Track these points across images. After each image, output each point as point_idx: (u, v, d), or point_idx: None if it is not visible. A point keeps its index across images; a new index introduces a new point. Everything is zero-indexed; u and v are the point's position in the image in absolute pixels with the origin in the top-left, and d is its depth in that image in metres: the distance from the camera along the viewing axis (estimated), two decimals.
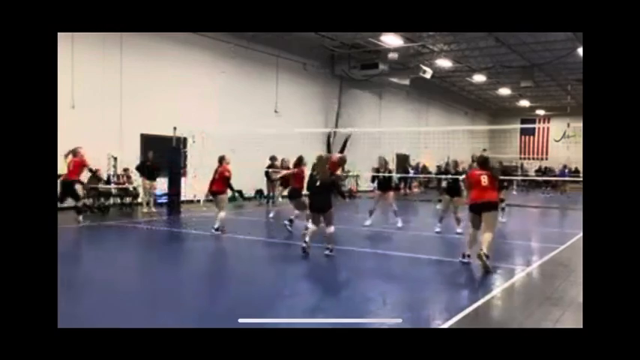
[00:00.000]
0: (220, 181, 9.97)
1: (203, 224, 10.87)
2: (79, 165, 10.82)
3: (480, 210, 7.19)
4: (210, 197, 10.49)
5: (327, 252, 7.71)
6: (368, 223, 11.29)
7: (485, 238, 7.00)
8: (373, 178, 12.11)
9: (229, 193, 10.50)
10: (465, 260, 7.36)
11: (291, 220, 10.14)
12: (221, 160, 10.14)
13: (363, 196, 19.18)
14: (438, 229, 10.52)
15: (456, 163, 11.11)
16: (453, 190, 10.31)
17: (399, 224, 11.29)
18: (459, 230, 10.17)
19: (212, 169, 10.21)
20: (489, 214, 7.15)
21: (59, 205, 10.51)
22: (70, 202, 10.89)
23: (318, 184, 7.84)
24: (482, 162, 7.47)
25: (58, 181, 10.44)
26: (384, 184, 11.57)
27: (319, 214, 7.87)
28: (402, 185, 23.41)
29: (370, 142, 18.02)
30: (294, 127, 16.66)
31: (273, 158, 16.42)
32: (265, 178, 17.06)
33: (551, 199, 22.68)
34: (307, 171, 9.39)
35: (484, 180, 7.18)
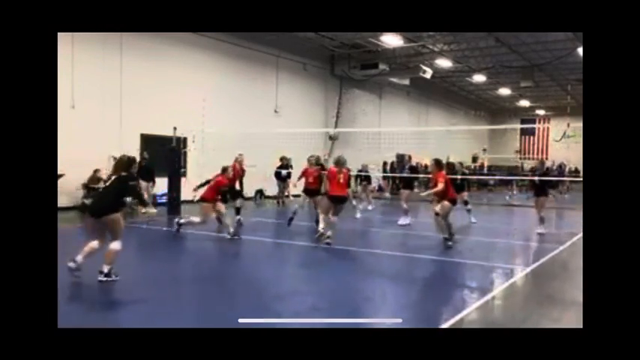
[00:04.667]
0: None
1: (202, 224, 10.84)
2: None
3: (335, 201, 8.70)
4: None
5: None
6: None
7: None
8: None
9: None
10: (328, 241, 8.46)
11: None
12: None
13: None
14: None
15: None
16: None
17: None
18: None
19: (211, 170, 10.14)
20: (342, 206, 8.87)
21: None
22: (66, 202, 10.54)
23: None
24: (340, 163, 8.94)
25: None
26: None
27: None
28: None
29: (370, 142, 18.02)
30: (294, 127, 16.65)
31: (283, 159, 16.37)
32: (274, 178, 16.94)
33: (551, 200, 22.61)
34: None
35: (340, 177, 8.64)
